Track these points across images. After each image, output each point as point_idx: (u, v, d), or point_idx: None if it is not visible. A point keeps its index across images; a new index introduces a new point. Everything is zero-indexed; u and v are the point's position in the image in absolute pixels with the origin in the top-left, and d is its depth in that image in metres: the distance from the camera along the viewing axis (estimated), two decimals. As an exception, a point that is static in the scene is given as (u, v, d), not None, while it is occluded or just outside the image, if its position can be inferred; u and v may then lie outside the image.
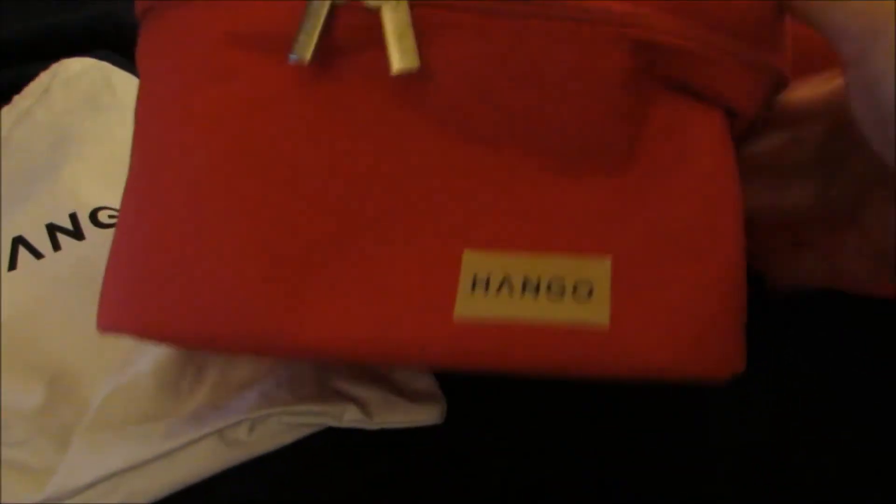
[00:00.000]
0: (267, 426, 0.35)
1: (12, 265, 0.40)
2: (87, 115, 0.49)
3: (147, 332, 0.28)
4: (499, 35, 0.26)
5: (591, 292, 0.26)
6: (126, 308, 0.29)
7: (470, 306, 0.26)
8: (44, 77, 0.53)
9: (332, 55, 0.27)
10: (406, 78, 0.26)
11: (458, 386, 0.38)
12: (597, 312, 0.26)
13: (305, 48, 0.26)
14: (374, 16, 0.26)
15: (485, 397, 0.39)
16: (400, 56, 0.26)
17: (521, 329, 0.26)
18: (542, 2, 0.26)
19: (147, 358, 0.37)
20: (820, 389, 0.39)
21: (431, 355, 0.27)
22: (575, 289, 0.26)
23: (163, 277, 0.27)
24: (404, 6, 0.26)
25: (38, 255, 0.41)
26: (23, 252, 0.41)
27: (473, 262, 0.26)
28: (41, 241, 0.41)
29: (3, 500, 0.33)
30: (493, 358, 0.26)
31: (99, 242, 0.41)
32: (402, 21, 0.26)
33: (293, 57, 0.26)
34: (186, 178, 0.27)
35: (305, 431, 0.36)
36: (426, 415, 0.37)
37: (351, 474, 0.36)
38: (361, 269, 0.27)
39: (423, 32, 0.26)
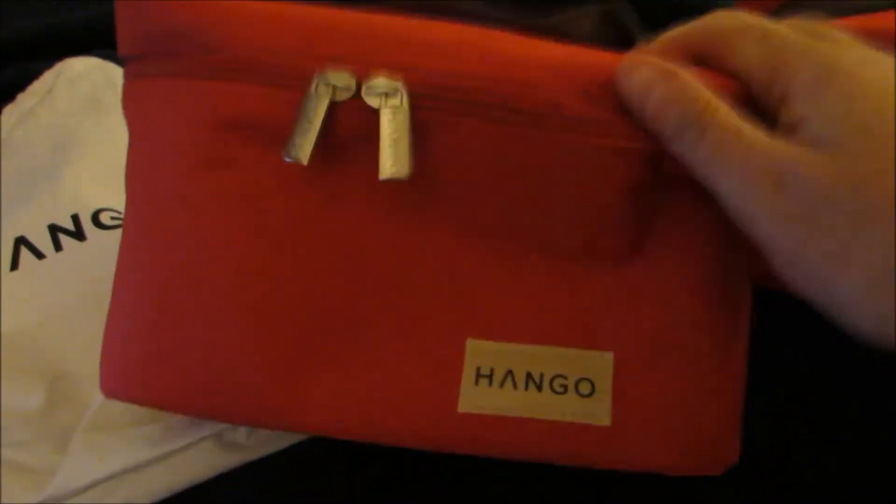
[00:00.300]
0: (264, 431, 0.35)
1: (14, 265, 0.40)
2: (90, 116, 0.49)
3: (152, 403, 0.30)
4: (503, 141, 0.26)
5: (592, 390, 0.27)
6: (130, 379, 0.30)
7: (474, 400, 0.27)
8: (47, 76, 0.53)
9: (330, 149, 0.26)
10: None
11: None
12: (599, 410, 0.26)
13: (302, 150, 0.25)
14: (374, 114, 0.25)
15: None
16: (391, 163, 0.25)
17: (524, 423, 0.27)
18: (547, 113, 0.25)
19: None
20: (820, 389, 0.38)
21: (434, 444, 0.27)
22: (577, 385, 0.27)
23: (165, 353, 0.28)
24: (405, 111, 0.25)
25: (39, 255, 0.41)
26: (25, 252, 0.41)
27: (477, 352, 0.27)
28: (43, 242, 0.41)
29: (3, 501, 0.33)
30: (496, 450, 0.27)
31: (100, 244, 0.41)
32: (401, 126, 0.25)
33: (289, 159, 0.25)
34: (185, 262, 0.28)
35: (303, 436, 0.36)
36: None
37: (346, 479, 0.36)
38: (364, 355, 0.27)
39: (426, 130, 0.26)
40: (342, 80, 0.25)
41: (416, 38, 0.26)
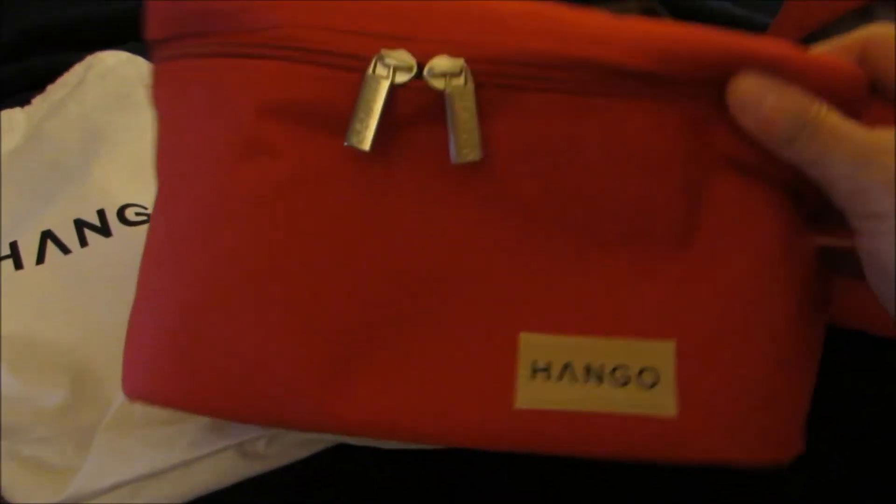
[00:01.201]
0: (283, 440, 0.35)
1: (40, 259, 0.40)
2: (119, 111, 0.49)
3: (185, 405, 0.28)
4: (560, 113, 0.25)
5: (656, 380, 0.25)
6: (157, 380, 0.28)
7: (532, 395, 0.25)
8: (78, 69, 0.53)
9: (388, 133, 0.25)
10: (457, 168, 0.25)
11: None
12: (663, 402, 0.25)
13: (364, 136, 0.24)
14: (436, 96, 0.24)
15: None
16: (464, 147, 0.24)
17: (586, 418, 0.25)
18: (603, 79, 0.25)
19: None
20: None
21: (491, 443, 0.26)
22: (640, 375, 0.25)
23: (198, 353, 0.26)
24: (470, 90, 0.24)
25: (65, 250, 0.41)
26: (51, 247, 0.41)
27: (531, 346, 0.26)
28: (69, 237, 0.41)
29: (23, 498, 0.33)
30: (555, 447, 0.26)
31: (126, 240, 0.41)
32: (469, 108, 0.24)
33: (349, 144, 0.24)
34: (224, 256, 0.26)
35: (320, 446, 0.36)
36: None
37: (363, 489, 0.36)
38: (412, 352, 0.26)
39: (490, 109, 0.25)
40: (402, 60, 0.24)
41: (476, 12, 0.25)
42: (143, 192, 0.44)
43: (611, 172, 0.26)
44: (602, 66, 0.24)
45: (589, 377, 0.25)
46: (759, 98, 0.25)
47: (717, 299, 0.26)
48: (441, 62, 0.24)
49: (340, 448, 0.36)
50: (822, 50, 0.26)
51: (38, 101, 0.52)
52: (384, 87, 0.24)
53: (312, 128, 0.25)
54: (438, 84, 0.24)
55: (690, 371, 0.25)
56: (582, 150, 0.25)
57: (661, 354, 0.25)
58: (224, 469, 0.34)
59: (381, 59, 0.24)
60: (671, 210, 0.26)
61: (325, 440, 0.36)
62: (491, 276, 0.26)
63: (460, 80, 0.24)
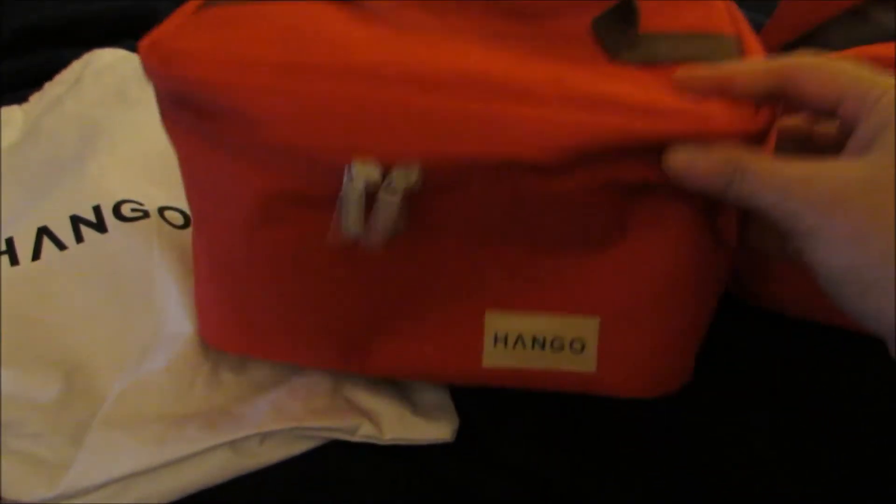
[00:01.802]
0: (278, 437, 0.36)
1: (36, 255, 0.41)
2: (116, 108, 0.49)
3: (250, 351, 0.37)
4: (505, 192, 0.30)
5: (583, 347, 0.35)
6: (233, 335, 0.37)
7: (494, 358, 0.35)
8: (76, 66, 0.54)
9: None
10: (427, 218, 0.31)
11: (471, 398, 0.39)
12: (586, 362, 0.35)
13: (355, 226, 0.29)
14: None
15: (496, 411, 0.39)
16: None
17: (532, 372, 0.35)
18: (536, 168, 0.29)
19: (163, 354, 0.37)
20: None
21: (465, 382, 0.37)
22: (571, 344, 0.35)
23: (261, 325, 0.36)
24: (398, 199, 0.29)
25: (61, 246, 0.41)
26: (47, 242, 0.41)
27: (493, 321, 0.35)
28: (65, 233, 0.41)
29: (16, 492, 0.33)
30: (511, 385, 0.36)
31: (121, 235, 0.41)
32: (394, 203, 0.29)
33: (347, 234, 0.30)
34: (263, 280, 0.34)
35: (316, 443, 0.36)
36: (438, 433, 0.37)
37: (357, 483, 0.36)
38: (411, 328, 0.35)
39: (442, 187, 0.30)
40: (370, 173, 0.29)
41: (434, 115, 0.29)
42: (139, 188, 0.44)
43: (550, 212, 0.32)
44: (526, 164, 0.29)
45: (534, 345, 0.35)
46: (690, 166, 0.29)
47: (634, 287, 0.34)
48: (399, 176, 0.29)
49: (332, 445, 0.37)
50: (748, 69, 0.29)
51: (36, 98, 0.53)
52: (359, 190, 0.29)
53: (308, 206, 0.31)
54: (392, 198, 0.29)
55: (610, 339, 0.34)
56: (525, 202, 0.31)
57: (588, 328, 0.34)
58: (217, 466, 0.35)
59: (353, 169, 0.29)
60: (601, 228, 0.32)
61: (316, 437, 0.36)
62: (462, 275, 0.34)
63: (412, 185, 0.29)
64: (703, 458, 0.38)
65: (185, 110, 0.31)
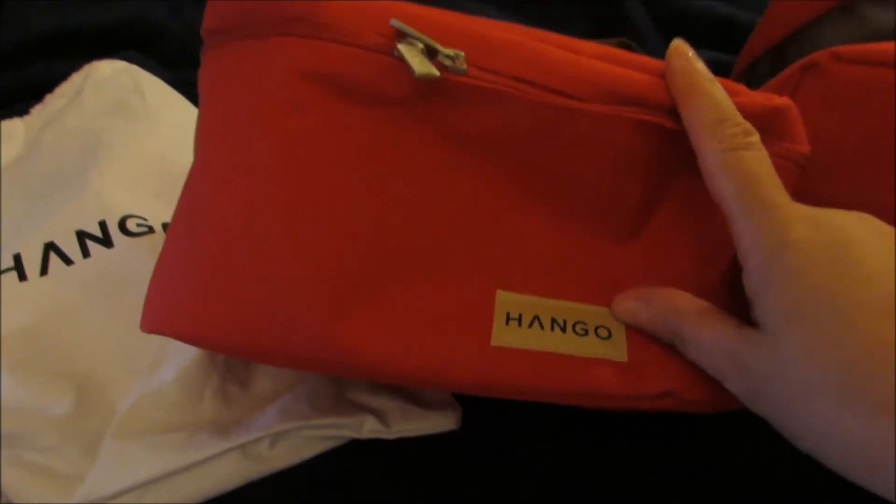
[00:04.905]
0: (288, 441, 0.36)
1: (44, 270, 0.41)
2: (117, 121, 0.50)
3: (197, 337, 0.30)
4: (548, 110, 0.30)
5: (610, 334, 0.31)
6: (176, 313, 0.30)
7: (505, 336, 0.30)
8: (76, 79, 0.54)
9: (399, 105, 0.30)
10: (461, 136, 0.30)
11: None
12: (616, 349, 0.30)
13: (426, 66, 0.28)
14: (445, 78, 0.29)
15: (499, 403, 0.39)
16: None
17: (549, 358, 0.30)
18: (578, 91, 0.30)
19: (171, 367, 0.38)
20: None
21: (469, 375, 0.29)
22: (596, 330, 0.31)
23: (218, 286, 0.29)
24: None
25: (68, 261, 0.41)
26: (53, 258, 0.41)
27: (505, 301, 0.30)
28: (71, 248, 0.42)
29: (32, 505, 0.34)
30: (523, 383, 0.30)
31: (127, 250, 0.42)
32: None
33: (419, 76, 0.28)
34: (250, 198, 0.29)
35: (326, 446, 0.37)
36: (443, 421, 0.38)
37: (367, 488, 0.37)
38: (409, 295, 0.29)
39: (488, 97, 0.30)
40: (419, 44, 0.29)
41: (475, 30, 0.30)
42: (142, 201, 0.45)
43: (586, 161, 0.31)
44: (577, 96, 0.30)
45: (554, 327, 0.30)
46: (635, 315, 0.31)
47: (659, 278, 0.32)
48: (447, 50, 0.29)
49: (344, 449, 0.37)
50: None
51: (37, 111, 0.53)
52: (418, 49, 0.29)
53: (339, 92, 0.30)
54: (446, 61, 0.29)
55: (637, 332, 0.31)
56: (563, 139, 0.30)
57: (612, 318, 0.31)
58: (228, 471, 0.35)
59: (400, 41, 0.29)
60: (631, 199, 0.31)
61: (330, 438, 0.37)
62: (478, 236, 0.31)
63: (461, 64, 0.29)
64: (712, 451, 0.39)
65: (233, 28, 0.31)
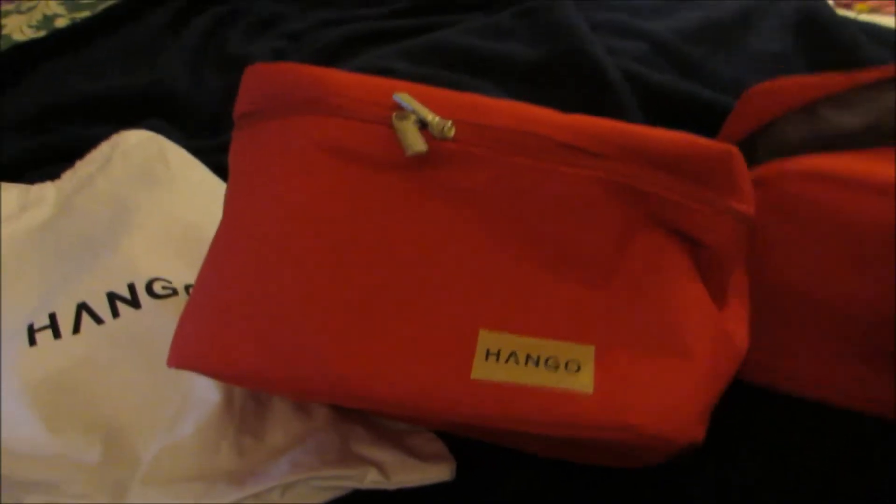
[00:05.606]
0: (297, 490, 0.40)
1: (76, 329, 0.44)
2: (143, 188, 0.53)
3: (219, 372, 0.36)
4: (525, 169, 0.35)
5: (578, 368, 0.34)
6: (198, 348, 0.36)
7: (484, 371, 0.34)
8: (105, 147, 0.57)
9: (394, 168, 0.36)
10: (449, 192, 0.35)
11: (465, 448, 0.43)
12: (583, 382, 0.33)
13: (417, 146, 0.34)
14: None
15: (491, 457, 0.43)
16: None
17: (523, 390, 0.33)
18: (557, 150, 0.35)
19: (190, 420, 0.41)
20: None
21: (452, 405, 0.33)
22: (567, 364, 0.34)
23: (236, 324, 0.35)
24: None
25: (99, 321, 0.45)
26: (86, 317, 0.45)
27: (486, 339, 0.34)
28: (102, 308, 0.45)
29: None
30: (501, 413, 0.33)
31: (153, 311, 0.45)
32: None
33: (411, 154, 0.34)
34: (267, 249, 0.35)
35: (332, 495, 0.40)
36: (438, 473, 0.42)
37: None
38: (402, 333, 0.34)
39: (471, 159, 0.35)
40: (412, 117, 0.35)
41: (461, 98, 0.37)
42: (167, 265, 0.48)
43: (556, 215, 0.35)
44: (551, 141, 0.35)
45: (528, 362, 0.34)
46: None
47: (631, 321, 0.35)
48: (436, 120, 0.35)
49: (353, 497, 0.40)
50: None
51: (68, 176, 0.57)
52: (410, 122, 0.35)
53: (345, 158, 0.36)
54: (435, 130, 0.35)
55: (606, 365, 0.34)
56: (537, 196, 0.35)
57: (583, 354, 0.34)
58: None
59: (398, 113, 0.36)
60: (597, 248, 0.35)
61: (335, 488, 0.40)
62: (463, 281, 0.35)
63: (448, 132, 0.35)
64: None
65: (263, 110, 0.38)
